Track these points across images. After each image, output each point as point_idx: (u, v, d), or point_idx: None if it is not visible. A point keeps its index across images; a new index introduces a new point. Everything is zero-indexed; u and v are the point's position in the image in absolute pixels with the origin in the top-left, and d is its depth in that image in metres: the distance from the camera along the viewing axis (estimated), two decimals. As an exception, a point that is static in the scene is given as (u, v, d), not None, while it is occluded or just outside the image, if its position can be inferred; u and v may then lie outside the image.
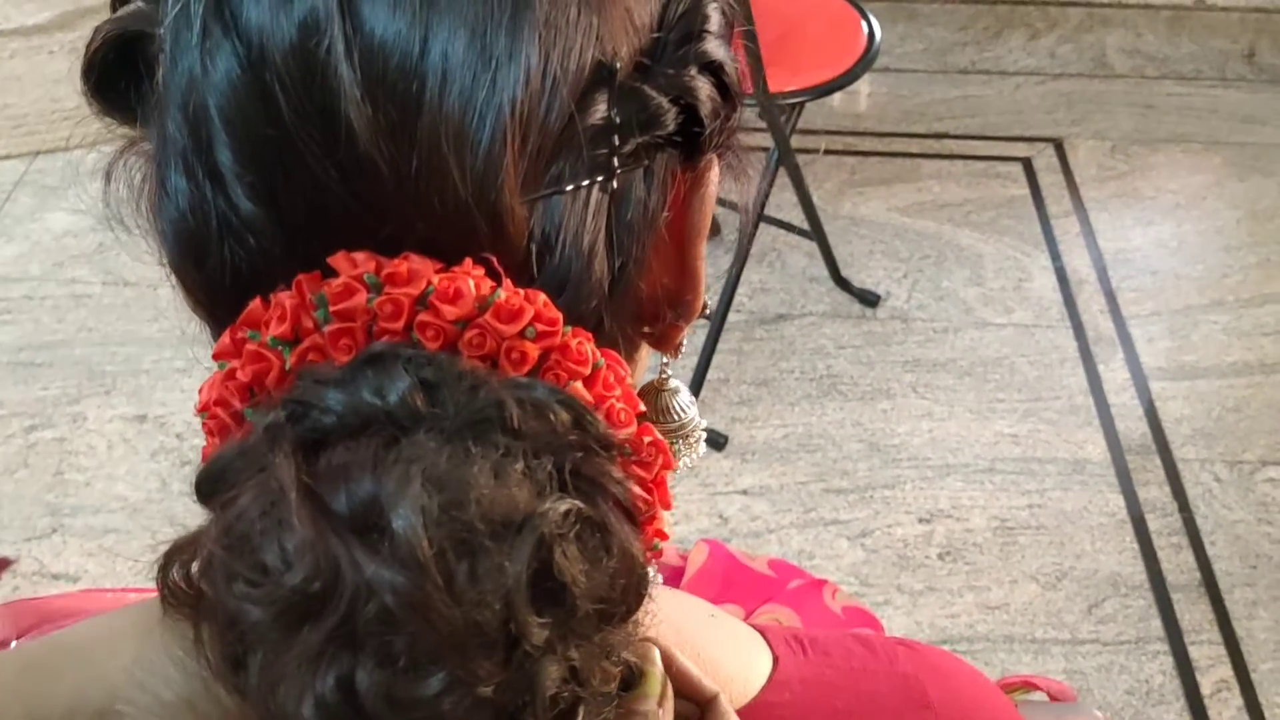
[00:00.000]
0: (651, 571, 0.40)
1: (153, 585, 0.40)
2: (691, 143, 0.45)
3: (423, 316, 0.39)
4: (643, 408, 0.42)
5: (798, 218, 2.44)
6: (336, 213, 0.40)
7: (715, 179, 0.49)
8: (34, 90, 2.81)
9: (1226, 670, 1.87)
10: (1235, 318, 2.47)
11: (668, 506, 0.42)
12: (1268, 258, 2.62)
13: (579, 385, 0.40)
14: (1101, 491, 2.13)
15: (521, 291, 0.40)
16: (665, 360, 0.56)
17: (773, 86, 2.02)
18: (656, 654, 0.43)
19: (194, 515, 0.40)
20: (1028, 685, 0.91)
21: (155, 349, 2.35)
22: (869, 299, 2.49)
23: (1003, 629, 1.92)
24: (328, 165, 0.39)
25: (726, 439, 2.19)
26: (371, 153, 0.39)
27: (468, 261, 0.40)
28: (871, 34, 2.20)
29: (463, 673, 0.35)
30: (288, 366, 0.40)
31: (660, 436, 0.42)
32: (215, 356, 0.42)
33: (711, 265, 0.55)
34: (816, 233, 2.44)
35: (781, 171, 2.24)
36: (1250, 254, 2.63)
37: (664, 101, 0.44)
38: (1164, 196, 2.79)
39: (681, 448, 0.56)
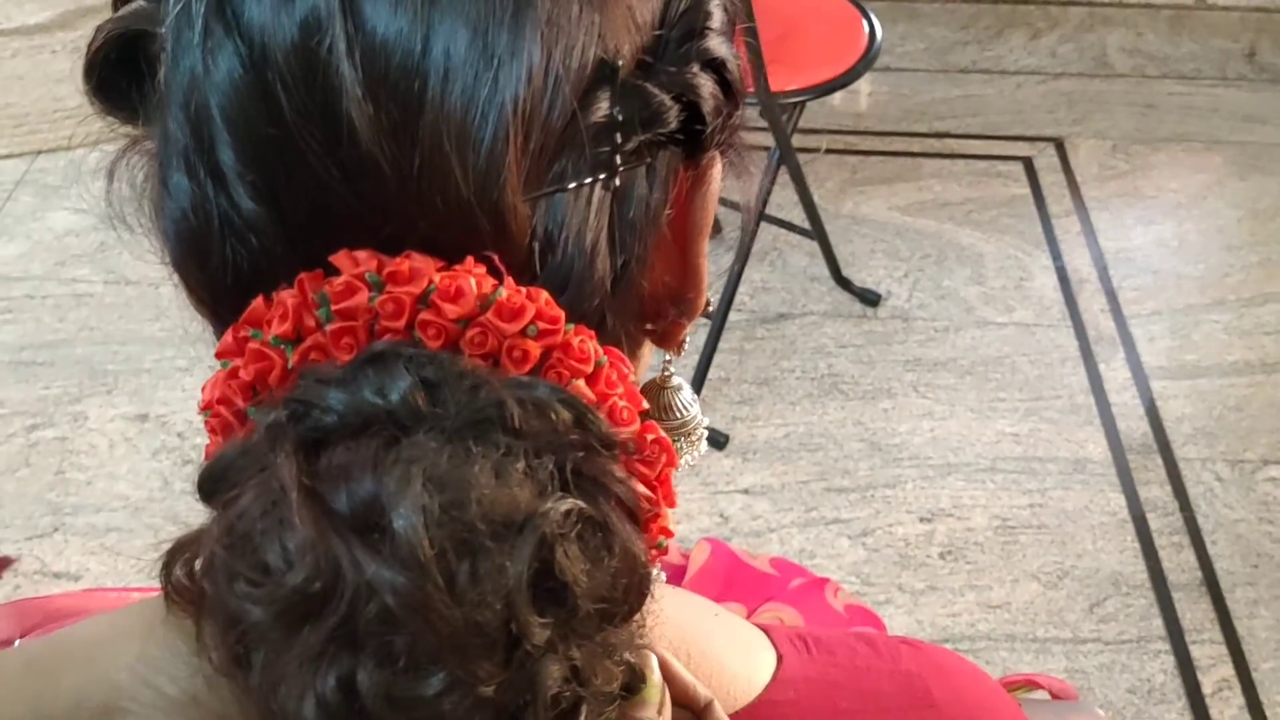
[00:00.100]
0: (655, 570, 0.40)
1: (155, 584, 0.40)
2: (694, 140, 0.45)
3: (424, 315, 0.39)
4: (646, 405, 0.42)
5: (798, 217, 2.44)
6: (338, 212, 0.40)
7: (718, 176, 0.49)
8: (35, 89, 2.81)
9: (1228, 669, 1.87)
10: (1236, 317, 2.47)
11: (672, 504, 0.42)
12: (1269, 257, 2.62)
13: (581, 384, 0.40)
14: (1103, 491, 2.13)
15: (523, 290, 0.40)
16: (668, 358, 0.55)
17: (774, 85, 2.02)
18: (655, 661, 0.43)
19: (195, 514, 0.40)
20: (1030, 684, 0.91)
21: (157, 348, 2.35)
22: (870, 298, 2.49)
23: (1004, 628, 1.92)
24: (329, 164, 0.39)
25: (727, 438, 2.19)
26: (373, 151, 0.39)
27: (469, 260, 0.40)
28: (873, 33, 2.20)
29: (463, 673, 0.35)
30: (290, 365, 0.40)
31: (664, 434, 0.42)
32: (218, 355, 0.42)
33: (712, 264, 0.55)
34: (817, 232, 2.44)
35: (782, 170, 2.24)
36: (1251, 253, 2.63)
37: (666, 99, 0.43)
38: (1165, 196, 2.79)
39: (684, 445, 0.56)
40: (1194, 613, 1.95)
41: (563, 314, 0.41)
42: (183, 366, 2.30)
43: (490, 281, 0.40)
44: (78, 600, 0.70)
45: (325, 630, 0.34)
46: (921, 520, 2.07)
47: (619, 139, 0.42)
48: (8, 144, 2.82)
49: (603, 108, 0.42)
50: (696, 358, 2.24)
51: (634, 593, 0.38)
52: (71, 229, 2.63)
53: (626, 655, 0.39)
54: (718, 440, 2.18)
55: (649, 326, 0.50)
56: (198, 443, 2.16)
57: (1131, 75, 3.17)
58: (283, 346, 0.40)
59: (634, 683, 0.39)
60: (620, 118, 0.42)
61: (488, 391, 0.37)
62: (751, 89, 1.87)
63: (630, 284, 0.45)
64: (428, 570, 0.34)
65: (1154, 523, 2.08)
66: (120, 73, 0.45)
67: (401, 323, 0.39)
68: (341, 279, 0.39)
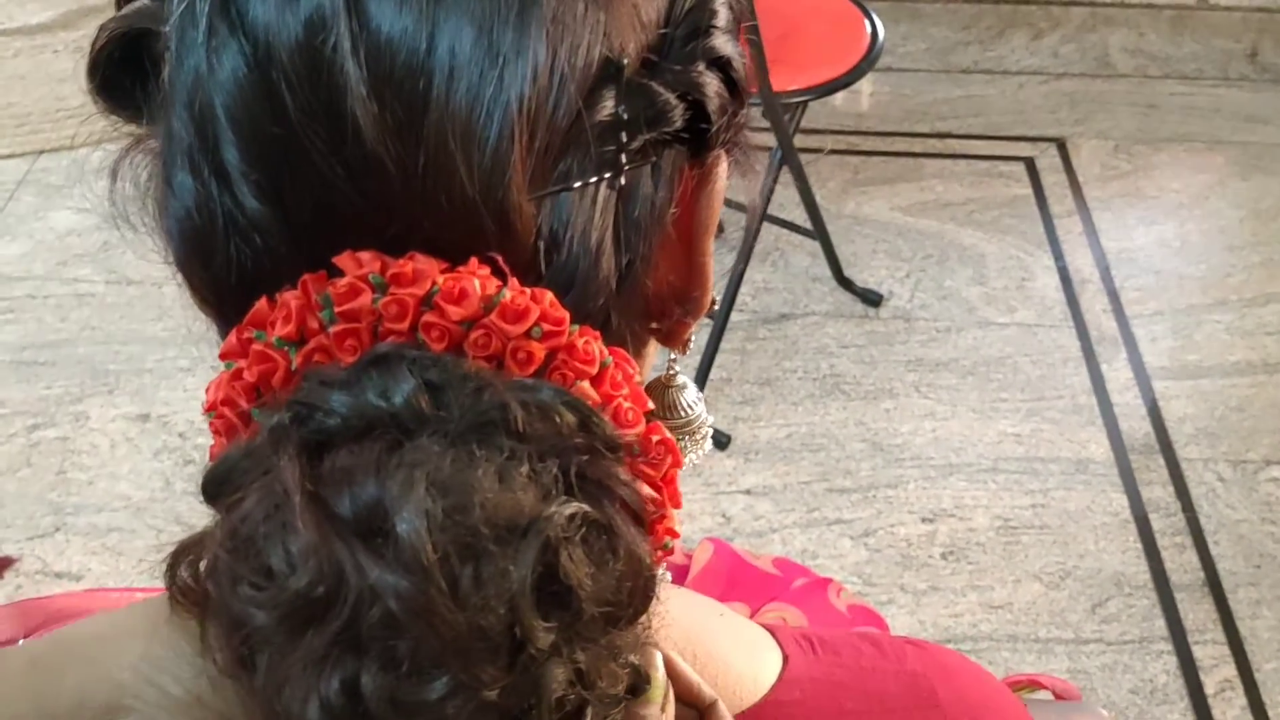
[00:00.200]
0: (660, 570, 0.40)
1: (158, 585, 0.40)
2: (699, 139, 0.45)
3: (428, 317, 0.39)
4: (651, 406, 0.42)
5: (800, 217, 2.43)
6: (343, 211, 0.40)
7: (723, 175, 0.49)
8: (37, 89, 2.81)
9: (1230, 670, 1.87)
10: (1238, 317, 2.47)
11: (678, 505, 0.42)
12: (1271, 257, 2.61)
13: (586, 385, 0.40)
14: (1105, 491, 2.12)
15: (528, 291, 0.40)
16: (673, 356, 0.55)
17: (776, 85, 2.02)
18: (659, 659, 0.43)
19: (197, 514, 0.40)
20: (1033, 684, 0.91)
21: (158, 348, 2.35)
22: (872, 298, 2.48)
23: (1006, 628, 1.92)
24: (334, 163, 0.39)
25: (729, 438, 2.19)
26: (378, 150, 0.39)
27: (473, 261, 0.40)
28: (874, 33, 2.20)
29: (467, 677, 0.34)
30: (294, 367, 0.40)
31: (669, 435, 0.42)
32: (222, 356, 0.42)
33: (715, 263, 0.55)
34: (819, 232, 2.44)
35: (784, 170, 2.24)
36: (1253, 253, 2.63)
37: (671, 98, 0.43)
38: (1167, 196, 2.79)
39: (688, 444, 0.55)
40: (1196, 613, 1.95)
41: (567, 315, 0.40)
42: (184, 367, 2.30)
43: (495, 283, 0.40)
44: (80, 600, 0.70)
45: (329, 634, 0.34)
46: (923, 521, 2.07)
47: (624, 138, 0.42)
48: (10, 144, 2.82)
49: (608, 106, 0.42)
50: (698, 358, 2.23)
51: (639, 596, 0.38)
52: (73, 229, 2.63)
53: (632, 657, 0.38)
54: (720, 440, 2.18)
55: (654, 325, 0.50)
56: (199, 443, 2.16)
57: (1133, 75, 3.17)
58: (286, 348, 0.40)
59: (639, 684, 0.39)
60: (625, 116, 0.42)
61: (491, 394, 0.37)
62: (754, 89, 1.87)
63: (635, 283, 0.45)
64: (431, 574, 0.34)
65: (1156, 523, 2.07)
66: (124, 71, 0.45)
67: (405, 324, 0.39)
68: (345, 280, 0.39)
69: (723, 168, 0.49)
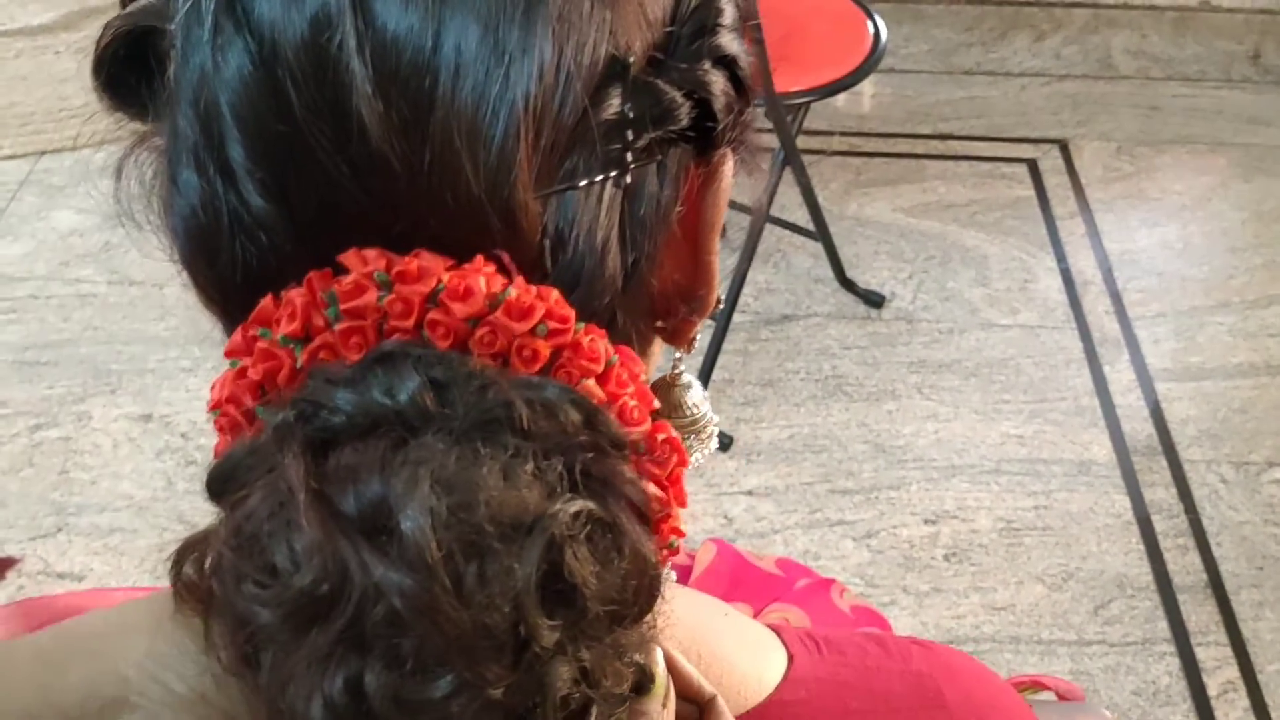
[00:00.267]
0: (665, 570, 0.40)
1: (160, 585, 0.40)
2: (705, 137, 0.45)
3: (433, 315, 0.39)
4: (657, 404, 0.42)
5: (803, 218, 2.43)
6: (348, 209, 0.40)
7: (729, 174, 0.49)
8: (40, 89, 2.81)
9: (1233, 671, 1.87)
10: (1241, 319, 2.47)
11: (683, 504, 0.42)
12: (1273, 259, 2.61)
13: (591, 383, 0.40)
14: (1107, 493, 2.12)
15: (533, 289, 0.40)
16: (678, 355, 0.55)
17: (778, 86, 2.02)
18: (660, 655, 0.43)
19: (199, 514, 0.40)
20: (1036, 685, 0.91)
21: (161, 348, 2.35)
22: (874, 300, 2.48)
23: (1009, 630, 1.92)
24: (339, 161, 0.39)
25: (732, 439, 2.19)
26: (383, 148, 0.39)
27: (479, 259, 0.40)
28: (877, 34, 2.20)
29: (471, 675, 0.34)
30: (299, 364, 0.40)
31: (674, 433, 0.42)
32: (227, 354, 0.42)
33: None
34: (821, 233, 2.44)
35: (786, 172, 2.24)
36: (1256, 255, 2.63)
37: (677, 96, 0.43)
38: (1169, 198, 2.79)
39: (694, 444, 0.55)
40: (1199, 615, 1.95)
41: (573, 313, 0.40)
42: (187, 367, 2.30)
43: (500, 280, 0.40)
44: (85, 599, 0.70)
45: (333, 632, 0.34)
46: (926, 522, 2.07)
47: (630, 136, 0.42)
48: (12, 144, 2.82)
49: (614, 105, 0.41)
50: (701, 359, 2.23)
51: (644, 594, 0.38)
52: (76, 229, 2.63)
53: (637, 656, 0.38)
54: (722, 442, 2.18)
55: (659, 324, 0.50)
56: (202, 443, 2.16)
57: (1136, 77, 3.17)
58: (291, 346, 0.40)
59: (644, 683, 0.39)
60: (631, 115, 0.42)
61: (496, 392, 0.37)
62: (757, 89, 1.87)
63: (641, 281, 0.45)
64: (435, 572, 0.34)
65: (1159, 525, 2.07)
66: (129, 69, 0.44)
67: (410, 322, 0.39)
68: (350, 278, 0.39)
69: (728, 166, 0.49)
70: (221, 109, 0.40)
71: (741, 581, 1.01)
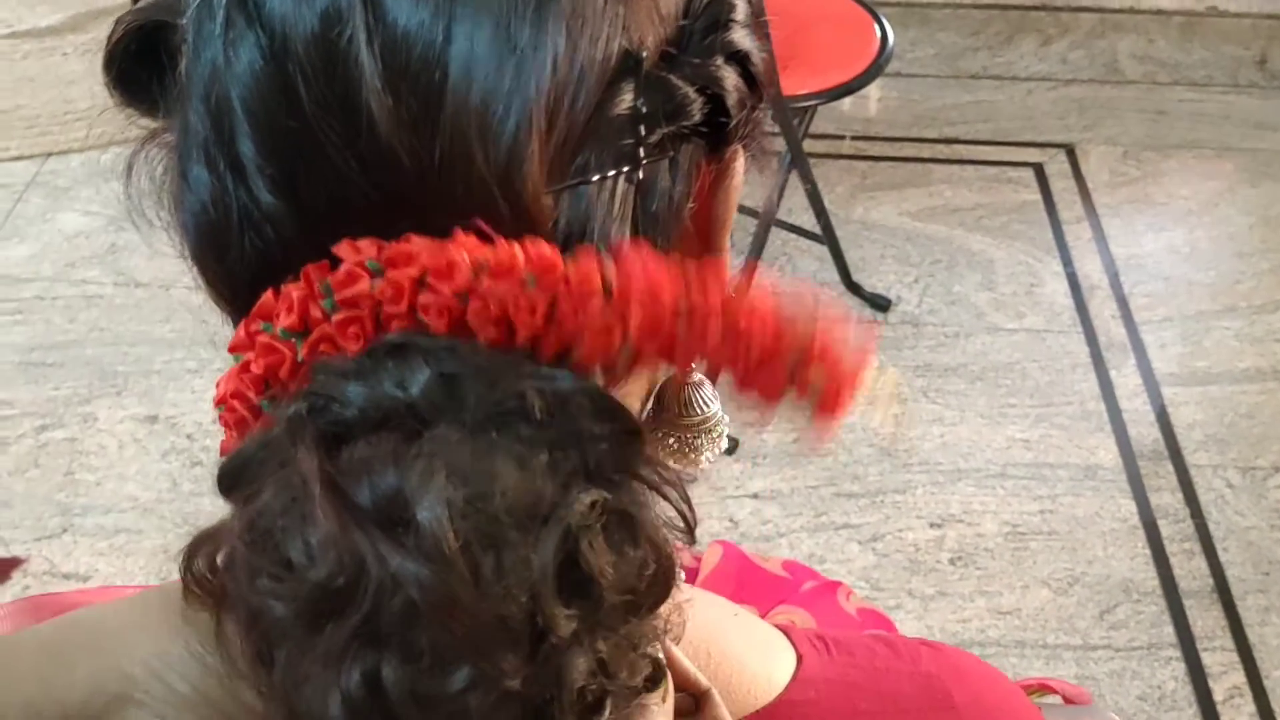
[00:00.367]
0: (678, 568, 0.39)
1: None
2: (717, 133, 0.45)
3: (423, 297, 0.38)
4: (680, 278, 0.41)
5: (808, 221, 2.43)
6: (358, 205, 0.40)
7: (741, 170, 0.49)
8: (46, 91, 2.82)
9: (1239, 677, 1.87)
10: (1248, 324, 2.46)
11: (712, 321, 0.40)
12: (1280, 264, 2.62)
13: (597, 304, 0.39)
14: (1113, 497, 2.12)
15: (514, 244, 0.39)
16: None
17: (785, 89, 2.02)
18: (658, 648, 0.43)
19: (206, 516, 0.40)
20: (1043, 688, 0.91)
21: (166, 349, 2.35)
22: (880, 303, 2.48)
23: (1014, 634, 1.92)
24: (348, 157, 0.39)
25: (738, 442, 2.19)
26: (393, 143, 0.39)
27: (457, 232, 0.39)
28: (884, 37, 2.20)
29: (488, 667, 0.34)
30: (300, 358, 0.40)
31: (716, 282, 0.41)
32: (231, 349, 0.42)
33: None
34: (827, 237, 2.44)
35: (793, 175, 2.24)
36: (1263, 260, 2.62)
37: (690, 91, 0.43)
38: (1176, 202, 2.79)
39: (705, 442, 0.55)
40: (1205, 620, 1.94)
41: (557, 253, 0.39)
42: (192, 368, 2.30)
43: (483, 247, 0.39)
44: (94, 596, 0.70)
45: (349, 627, 0.34)
46: (931, 526, 2.07)
47: (643, 131, 0.42)
48: (18, 146, 2.83)
49: (626, 100, 0.41)
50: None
51: (660, 584, 0.38)
52: (82, 230, 2.63)
53: (651, 649, 0.38)
54: (728, 444, 2.18)
55: None
56: (207, 444, 2.16)
57: (1142, 82, 3.17)
58: (292, 339, 0.40)
59: (658, 676, 0.39)
60: (644, 110, 0.42)
61: (508, 383, 0.37)
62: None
63: None
64: (453, 563, 0.34)
65: (1165, 529, 2.07)
66: (140, 65, 0.44)
67: (403, 306, 0.39)
68: (343, 267, 0.39)
69: (740, 163, 0.48)
70: (233, 104, 0.40)
71: (748, 584, 1.01)
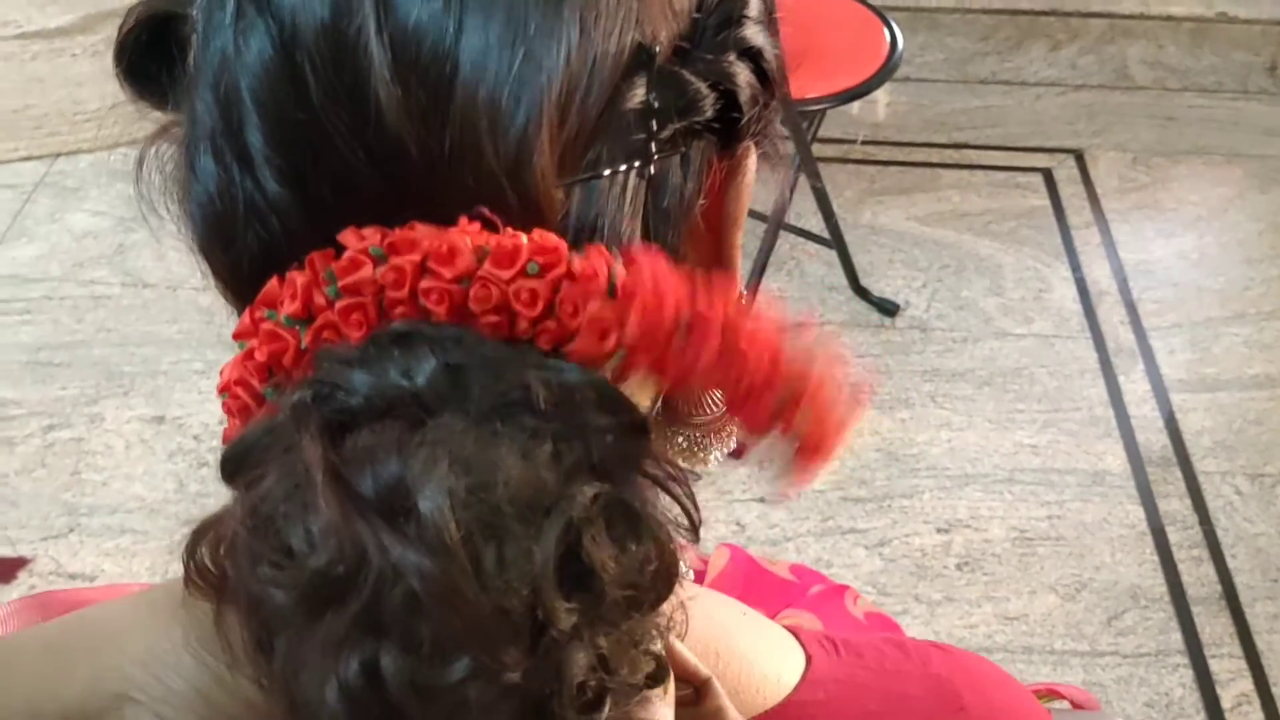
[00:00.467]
0: (683, 568, 0.39)
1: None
2: (729, 130, 0.44)
3: (424, 282, 0.38)
4: (686, 291, 0.40)
5: (817, 225, 2.43)
6: (365, 196, 0.40)
7: (752, 167, 0.48)
8: (55, 92, 2.82)
9: (1247, 684, 1.86)
10: (1257, 330, 2.46)
11: (760, 356, 0.40)
12: (1290, 270, 2.61)
13: (597, 304, 0.39)
14: (1121, 503, 2.11)
15: (520, 232, 0.39)
16: None
17: (794, 93, 2.01)
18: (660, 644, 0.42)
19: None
20: (1051, 693, 0.90)
21: (174, 350, 2.35)
22: (888, 308, 2.48)
23: (1021, 640, 1.91)
24: (356, 147, 0.39)
25: (744, 445, 2.18)
26: (401, 134, 0.39)
27: (462, 219, 0.39)
28: (894, 42, 2.20)
29: (488, 659, 0.34)
30: (303, 345, 0.39)
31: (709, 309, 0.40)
32: (235, 336, 0.42)
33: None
34: (836, 241, 2.44)
35: (801, 179, 2.24)
36: (1272, 266, 2.62)
37: (702, 87, 0.43)
38: (1185, 208, 2.78)
39: (714, 442, 0.55)
40: (1213, 627, 1.94)
41: (563, 243, 0.39)
42: (199, 369, 2.30)
43: (487, 234, 0.39)
44: (99, 595, 0.70)
45: (348, 615, 0.34)
46: (939, 531, 2.07)
47: (654, 126, 0.41)
48: (27, 146, 2.83)
49: (639, 94, 0.41)
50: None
51: (662, 579, 0.37)
52: (90, 231, 2.63)
53: (654, 645, 0.38)
54: (735, 448, 2.17)
55: None
56: (214, 445, 2.16)
57: (1152, 88, 3.17)
58: (296, 326, 0.40)
59: (660, 674, 0.39)
60: (656, 104, 0.41)
61: (514, 374, 0.37)
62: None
63: None
64: (454, 554, 0.33)
65: (1173, 536, 2.06)
66: (150, 56, 0.44)
67: (405, 292, 0.38)
68: (346, 254, 0.39)
69: (752, 160, 0.48)
70: (241, 94, 0.40)
71: (755, 587, 1.00)
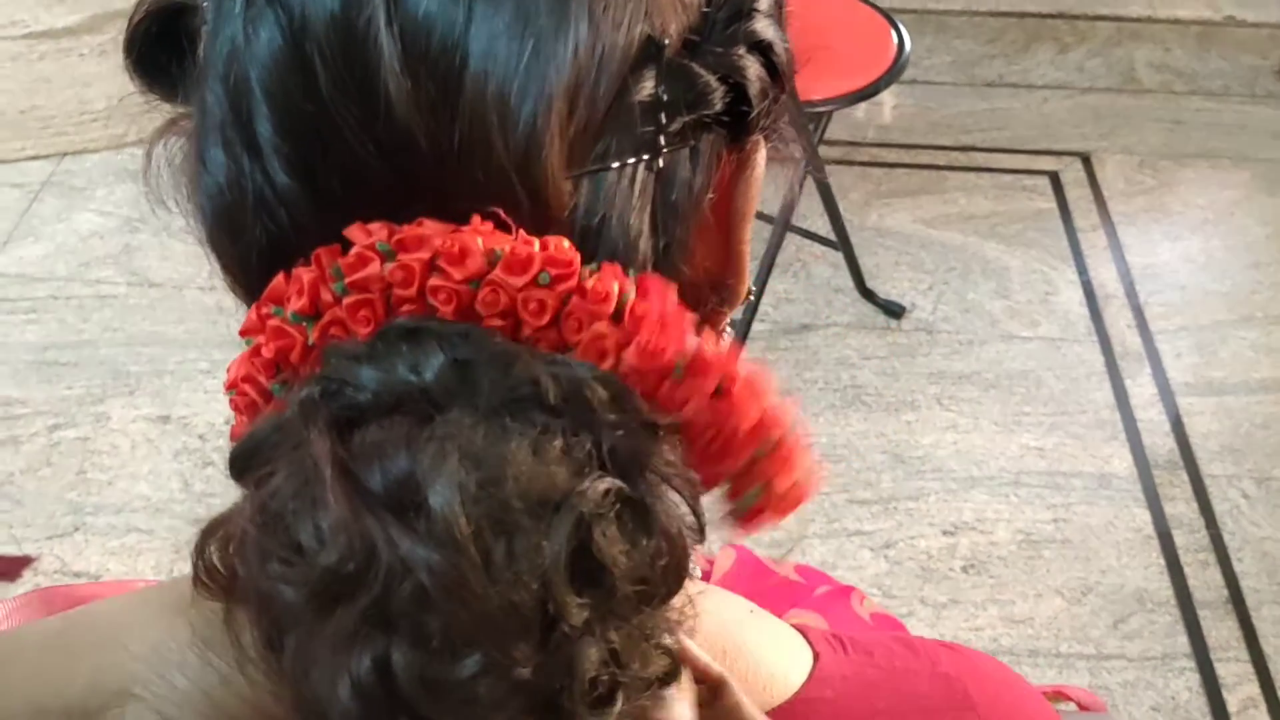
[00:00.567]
0: (691, 566, 0.39)
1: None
2: (739, 123, 0.44)
3: (433, 281, 0.38)
4: (691, 327, 0.41)
5: (823, 227, 2.43)
6: (374, 188, 0.40)
7: (762, 162, 0.48)
8: (62, 92, 2.82)
9: (1254, 688, 1.86)
10: (1264, 334, 2.45)
11: (748, 411, 0.41)
12: (1296, 274, 2.60)
13: (601, 326, 0.39)
14: (1128, 506, 2.11)
15: (534, 239, 0.39)
16: None
17: (801, 94, 2.01)
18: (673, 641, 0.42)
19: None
20: (1059, 695, 0.90)
21: (179, 350, 2.35)
22: (894, 310, 2.48)
23: (1027, 643, 1.91)
24: (365, 139, 0.39)
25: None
26: (410, 126, 0.38)
27: (475, 219, 0.39)
28: (901, 44, 2.20)
29: (499, 654, 0.34)
30: (310, 341, 0.39)
31: (711, 350, 0.40)
32: (242, 333, 0.42)
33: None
34: (842, 243, 2.44)
35: (808, 181, 2.23)
36: (1278, 270, 2.61)
37: (712, 80, 0.42)
38: (1192, 212, 2.78)
39: None
40: (1220, 630, 1.93)
41: (576, 256, 0.39)
42: (205, 369, 2.30)
43: (499, 237, 0.39)
44: (104, 590, 0.70)
45: (358, 611, 0.34)
46: (944, 533, 2.06)
47: (664, 119, 0.41)
48: (34, 146, 2.83)
49: (648, 87, 0.41)
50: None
51: (672, 574, 0.37)
52: (96, 230, 2.63)
53: (665, 641, 0.38)
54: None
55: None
56: (219, 445, 2.16)
57: (1159, 91, 3.16)
58: (303, 323, 0.39)
59: (673, 670, 0.38)
60: (665, 97, 0.41)
61: (523, 369, 0.37)
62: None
63: (672, 268, 0.44)
64: (464, 548, 0.33)
65: (1179, 539, 2.06)
66: (160, 47, 0.44)
67: (413, 290, 0.38)
68: (353, 251, 0.39)
69: (761, 154, 0.48)
70: (251, 84, 0.40)
71: (760, 587, 1.00)
